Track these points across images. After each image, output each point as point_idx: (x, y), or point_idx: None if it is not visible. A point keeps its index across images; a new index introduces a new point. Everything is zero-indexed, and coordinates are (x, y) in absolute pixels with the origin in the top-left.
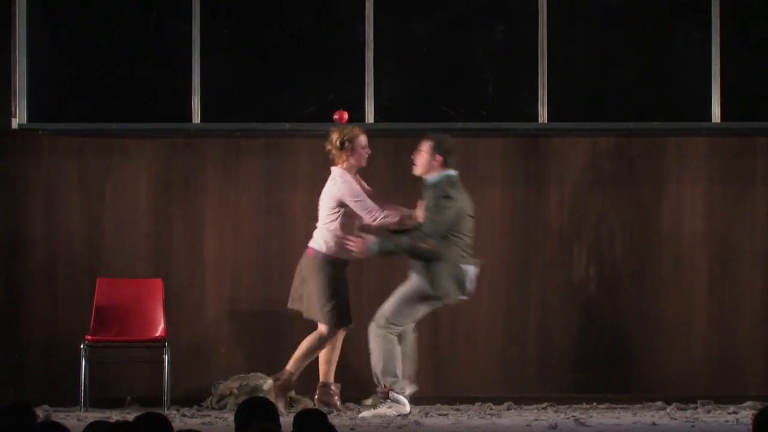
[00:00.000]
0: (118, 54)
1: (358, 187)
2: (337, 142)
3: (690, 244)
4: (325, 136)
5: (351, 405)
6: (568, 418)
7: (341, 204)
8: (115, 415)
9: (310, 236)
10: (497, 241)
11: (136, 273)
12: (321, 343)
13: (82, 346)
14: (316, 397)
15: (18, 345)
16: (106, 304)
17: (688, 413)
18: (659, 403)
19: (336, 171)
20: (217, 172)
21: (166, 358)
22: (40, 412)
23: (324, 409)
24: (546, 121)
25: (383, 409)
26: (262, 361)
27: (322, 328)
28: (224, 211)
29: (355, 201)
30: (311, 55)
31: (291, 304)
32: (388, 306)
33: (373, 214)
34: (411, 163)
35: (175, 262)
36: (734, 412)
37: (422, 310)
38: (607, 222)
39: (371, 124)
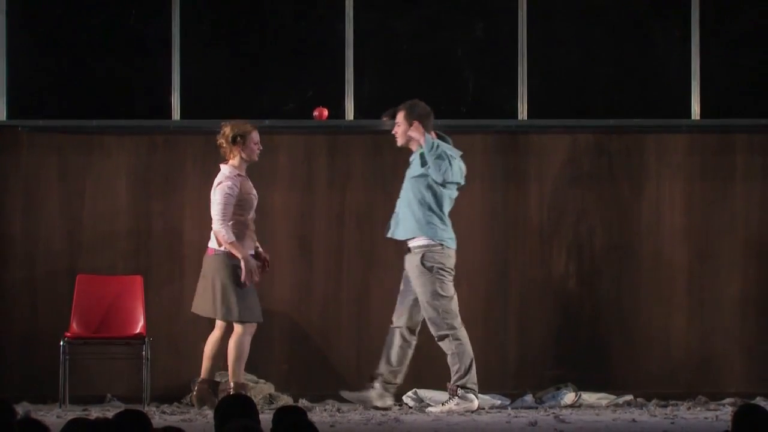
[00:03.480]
0: (97, 51)
1: (228, 193)
2: (230, 137)
3: (669, 241)
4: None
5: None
6: (547, 415)
7: None
8: (94, 412)
9: (289, 233)
10: (477, 237)
11: (116, 270)
12: (244, 342)
13: (61, 343)
14: (194, 393)
15: None
16: (86, 300)
17: (668, 410)
18: (639, 400)
19: (223, 169)
20: (197, 168)
21: (146, 354)
22: (20, 409)
23: (200, 406)
24: (526, 118)
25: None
26: None
27: (236, 329)
28: (204, 208)
29: (217, 203)
30: (291, 52)
31: (196, 309)
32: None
33: (221, 223)
34: (393, 140)
35: (155, 259)
36: (714, 409)
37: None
38: (586, 219)
39: (351, 121)
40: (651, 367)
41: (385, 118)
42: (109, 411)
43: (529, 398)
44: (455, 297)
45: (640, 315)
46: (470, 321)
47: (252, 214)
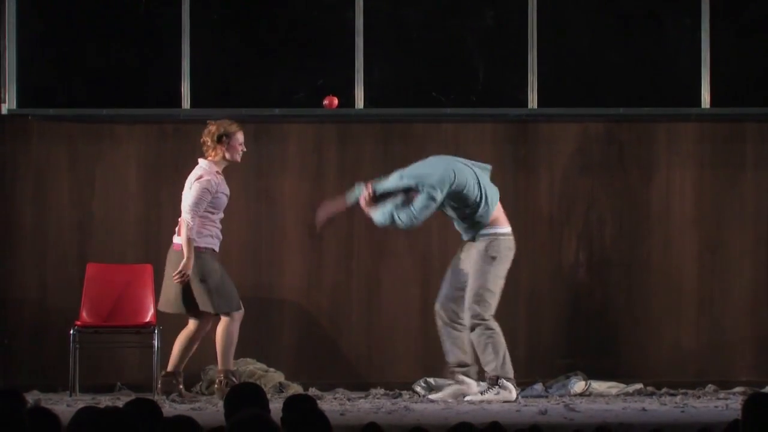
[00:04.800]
0: (108, 39)
1: (206, 189)
2: (215, 135)
3: (680, 230)
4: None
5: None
6: (557, 404)
7: None
8: (104, 401)
9: (299, 222)
10: None
11: (126, 258)
12: (232, 331)
13: (71, 331)
14: (159, 386)
15: (7, 330)
16: (96, 289)
17: (678, 399)
18: (649, 389)
19: (202, 163)
20: None
21: (155, 343)
22: (30, 398)
23: (165, 399)
24: (536, 106)
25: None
26: (252, 347)
27: (223, 319)
28: None
29: (193, 194)
30: (301, 40)
31: (162, 306)
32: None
33: (190, 215)
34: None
35: (165, 248)
36: (724, 398)
37: None
38: (596, 207)
39: (361, 109)
40: (661, 356)
41: None
42: (119, 400)
43: (539, 387)
44: (499, 293)
45: (650, 304)
46: None
47: (221, 214)
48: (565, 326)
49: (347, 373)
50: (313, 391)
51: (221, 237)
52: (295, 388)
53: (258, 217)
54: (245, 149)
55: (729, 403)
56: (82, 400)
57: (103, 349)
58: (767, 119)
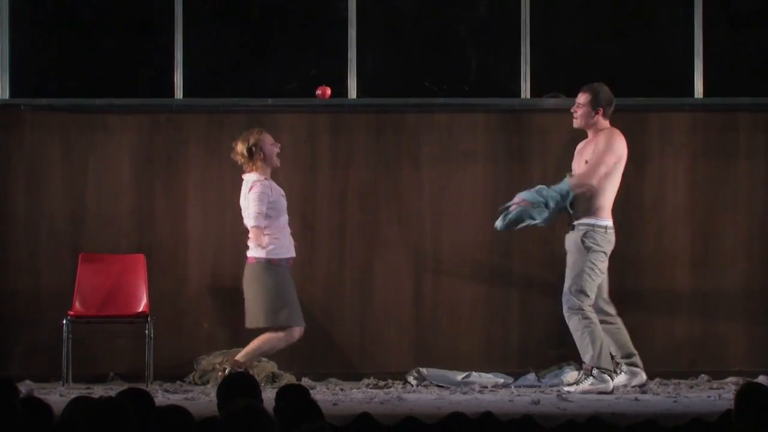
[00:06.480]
0: (100, 29)
1: (263, 193)
2: (245, 151)
3: (672, 220)
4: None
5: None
6: (550, 394)
7: None
8: (97, 391)
9: (292, 212)
10: (480, 216)
11: (119, 248)
12: (276, 345)
13: (64, 321)
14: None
15: (0, 320)
16: (89, 279)
17: (671, 389)
18: None
19: (250, 177)
20: (200, 147)
21: (148, 333)
22: (23, 388)
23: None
24: (529, 96)
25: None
26: (245, 337)
27: (279, 333)
28: (207, 187)
29: (252, 205)
30: (294, 30)
31: (249, 323)
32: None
33: (258, 222)
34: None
35: (158, 238)
36: (717, 388)
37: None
38: None
39: (354, 99)
40: (654, 346)
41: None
42: (112, 390)
43: (531, 377)
44: (597, 283)
45: (642, 294)
46: (474, 300)
47: (285, 216)
48: (558, 316)
49: (340, 363)
50: (305, 381)
51: (293, 240)
52: (288, 378)
53: None
54: (279, 145)
55: (722, 393)
56: (75, 390)
57: (96, 339)
58: (760, 109)
